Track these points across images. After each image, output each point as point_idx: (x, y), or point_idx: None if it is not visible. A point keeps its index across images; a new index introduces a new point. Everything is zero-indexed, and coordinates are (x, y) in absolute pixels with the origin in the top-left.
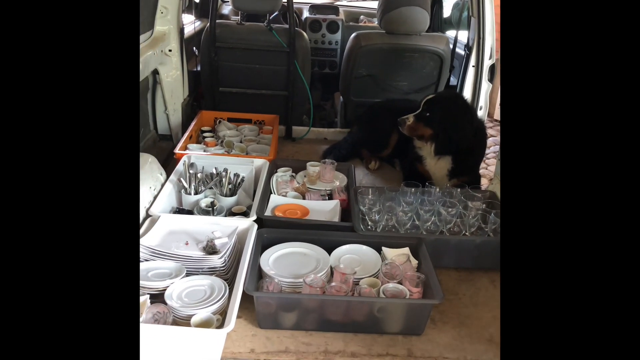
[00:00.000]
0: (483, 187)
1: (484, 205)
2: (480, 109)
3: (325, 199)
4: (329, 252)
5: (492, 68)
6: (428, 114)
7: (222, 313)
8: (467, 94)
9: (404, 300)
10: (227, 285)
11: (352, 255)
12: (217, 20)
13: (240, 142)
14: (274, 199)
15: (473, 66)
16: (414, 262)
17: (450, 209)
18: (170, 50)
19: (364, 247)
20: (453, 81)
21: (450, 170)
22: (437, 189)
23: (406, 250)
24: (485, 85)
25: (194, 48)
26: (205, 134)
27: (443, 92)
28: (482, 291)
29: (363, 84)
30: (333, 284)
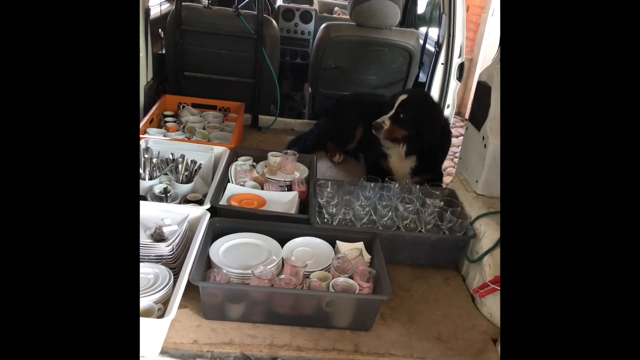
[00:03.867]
0: (444, 185)
1: (442, 202)
2: (448, 107)
3: (284, 190)
4: (283, 244)
5: (461, 66)
6: (402, 116)
7: (166, 302)
8: (435, 91)
9: (352, 295)
10: (172, 274)
11: (306, 247)
12: (183, 3)
13: (204, 128)
14: (231, 188)
15: (442, 64)
16: (367, 256)
17: (407, 205)
18: None
19: (318, 240)
20: (422, 78)
21: (414, 168)
22: (397, 185)
23: (360, 244)
24: (454, 84)
25: (160, 30)
26: (168, 119)
27: (415, 92)
28: (434, 289)
29: (332, 76)
30: (282, 276)
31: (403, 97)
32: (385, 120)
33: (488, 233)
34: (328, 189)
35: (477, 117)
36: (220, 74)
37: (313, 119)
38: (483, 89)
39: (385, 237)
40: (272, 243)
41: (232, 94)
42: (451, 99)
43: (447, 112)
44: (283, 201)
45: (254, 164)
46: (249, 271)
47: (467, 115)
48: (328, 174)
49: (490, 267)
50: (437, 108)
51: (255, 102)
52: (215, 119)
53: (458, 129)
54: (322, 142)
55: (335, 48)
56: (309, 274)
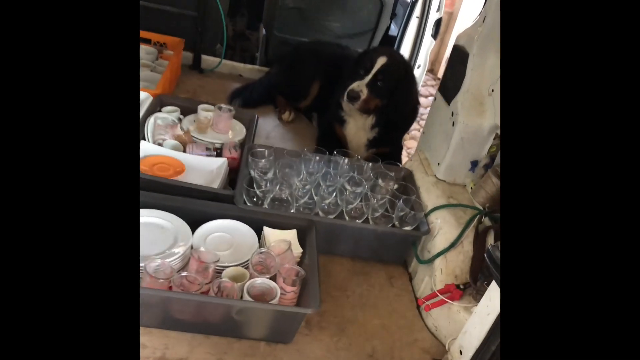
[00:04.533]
0: (401, 165)
1: (396, 186)
2: (418, 67)
3: (211, 155)
4: (197, 227)
5: (438, 23)
6: (380, 84)
7: None
8: (406, 48)
9: (268, 306)
10: None
11: (224, 234)
12: None
13: None
14: (145, 148)
15: (417, 17)
16: (297, 251)
17: (355, 188)
18: None
19: (241, 225)
20: (393, 31)
21: (372, 140)
22: (346, 161)
23: (292, 233)
24: (428, 42)
25: None
26: None
27: (395, 55)
28: (375, 289)
29: (290, 18)
30: (185, 273)
31: (382, 60)
32: (363, 88)
33: (444, 230)
34: (263, 160)
35: (448, 88)
36: (157, 2)
37: (266, 65)
38: (459, 55)
39: (324, 225)
40: (182, 226)
41: (170, 28)
42: (423, 59)
43: (417, 73)
44: (207, 169)
45: (181, 116)
46: (143, 264)
47: (440, 74)
48: (273, 134)
49: (441, 272)
50: (413, 75)
51: (198, 38)
52: (148, 55)
53: (428, 88)
54: (272, 95)
55: None
56: (222, 270)
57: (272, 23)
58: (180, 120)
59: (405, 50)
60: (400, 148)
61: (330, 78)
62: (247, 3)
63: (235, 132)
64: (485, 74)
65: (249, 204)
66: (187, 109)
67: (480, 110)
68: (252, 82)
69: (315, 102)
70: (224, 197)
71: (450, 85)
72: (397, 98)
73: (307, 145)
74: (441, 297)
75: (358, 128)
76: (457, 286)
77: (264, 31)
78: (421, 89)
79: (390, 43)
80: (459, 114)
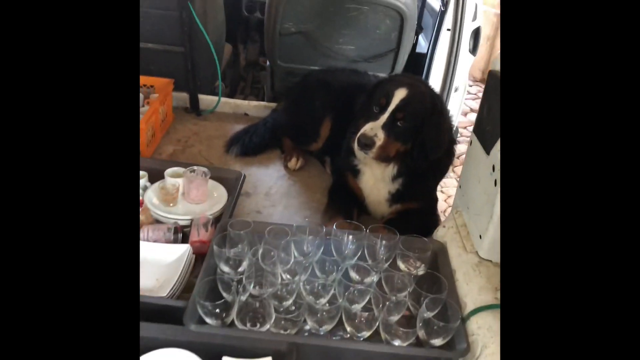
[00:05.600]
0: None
1: (421, 271)
2: (456, 90)
3: (173, 240)
4: None
5: (476, 33)
6: (401, 124)
7: None
8: (439, 69)
9: None
10: None
11: None
12: None
13: None
14: None
15: (448, 29)
16: None
17: (364, 277)
18: None
19: (189, 355)
20: (423, 47)
21: (395, 193)
22: (351, 237)
23: None
24: (465, 58)
25: None
26: None
27: (417, 85)
28: None
29: (293, 44)
30: None
31: (402, 92)
32: (378, 131)
33: (491, 350)
34: (233, 251)
35: (486, 132)
36: (141, 40)
37: (273, 101)
38: (496, 85)
39: (312, 348)
40: None
41: (161, 67)
42: (462, 80)
43: (456, 97)
44: (163, 263)
45: (148, 184)
46: None
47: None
48: (275, 189)
49: None
50: (445, 109)
51: (190, 76)
52: None
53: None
54: (278, 137)
55: (293, 5)
56: None
57: (273, 52)
58: (144, 189)
59: (437, 71)
60: (435, 201)
61: (344, 114)
62: (258, 26)
63: (214, 200)
64: None
65: (207, 320)
66: (156, 172)
67: None
68: (255, 124)
69: (328, 144)
70: (175, 311)
71: (488, 127)
72: (424, 139)
73: (318, 201)
74: None
75: (376, 179)
76: None
77: (268, 62)
78: (463, 119)
79: (419, 63)
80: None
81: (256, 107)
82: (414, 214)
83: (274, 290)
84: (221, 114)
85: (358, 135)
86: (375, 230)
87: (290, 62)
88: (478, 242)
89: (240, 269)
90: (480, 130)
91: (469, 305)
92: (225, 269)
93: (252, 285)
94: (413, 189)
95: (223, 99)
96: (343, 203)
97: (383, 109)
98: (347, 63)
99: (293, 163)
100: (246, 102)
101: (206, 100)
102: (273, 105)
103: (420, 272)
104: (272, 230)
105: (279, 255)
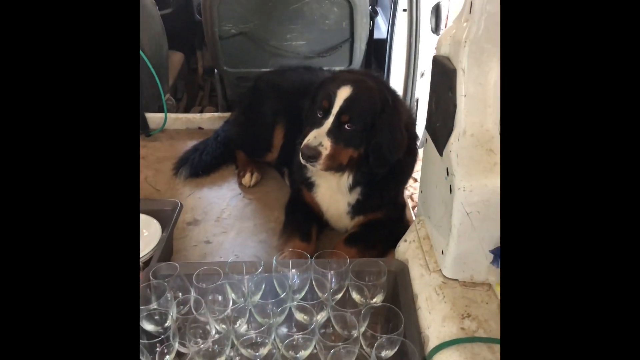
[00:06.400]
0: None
1: (377, 302)
2: (422, 75)
3: None
4: None
5: (436, 10)
6: (348, 126)
7: None
8: (400, 54)
9: None
10: None
11: None
12: None
13: None
14: None
15: (404, 10)
16: None
17: (306, 316)
18: None
19: None
20: (383, 33)
21: (354, 204)
22: (293, 271)
23: None
24: (428, 40)
25: None
26: None
27: (362, 80)
28: None
29: (237, 47)
30: None
31: (345, 92)
32: (323, 139)
33: None
34: (156, 303)
35: (436, 127)
36: None
37: (229, 110)
38: (443, 73)
39: None
40: None
41: None
42: (428, 64)
43: (423, 84)
44: None
45: None
46: None
47: None
48: (228, 211)
49: None
50: (399, 103)
51: None
52: None
53: None
54: (230, 152)
55: (229, 4)
56: None
57: (217, 58)
58: None
59: (399, 57)
60: (402, 207)
61: (297, 118)
62: None
63: (144, 241)
64: (488, 100)
65: None
66: None
67: (489, 162)
68: (205, 139)
69: (284, 153)
70: None
71: (437, 123)
72: (378, 141)
73: (276, 220)
74: None
75: (333, 191)
76: None
77: (215, 70)
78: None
79: (380, 51)
80: (456, 174)
81: (210, 119)
82: (380, 225)
83: (205, 347)
84: (173, 131)
85: (301, 146)
86: (324, 256)
87: (237, 67)
88: (441, 258)
89: (167, 324)
90: (431, 126)
91: (432, 340)
92: (149, 327)
93: (176, 342)
94: (375, 197)
95: (172, 115)
96: (300, 221)
97: (327, 113)
98: (300, 60)
99: (247, 179)
100: (198, 115)
101: (155, 118)
102: (228, 115)
103: (378, 301)
104: (203, 272)
105: (208, 303)
